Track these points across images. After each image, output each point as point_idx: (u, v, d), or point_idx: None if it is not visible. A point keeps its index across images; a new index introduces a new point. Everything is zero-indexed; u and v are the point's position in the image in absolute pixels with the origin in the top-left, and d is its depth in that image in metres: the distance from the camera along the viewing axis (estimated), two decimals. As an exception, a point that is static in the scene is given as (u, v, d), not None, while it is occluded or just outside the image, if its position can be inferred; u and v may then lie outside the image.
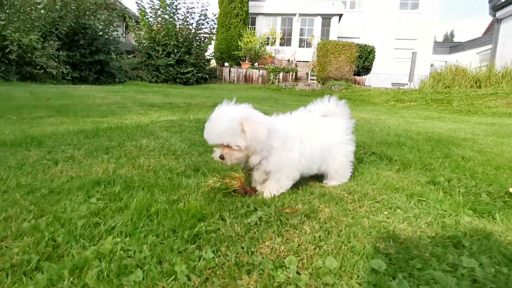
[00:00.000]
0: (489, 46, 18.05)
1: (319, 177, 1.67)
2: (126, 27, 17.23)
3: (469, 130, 4.05)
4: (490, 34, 19.20)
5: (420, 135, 3.11)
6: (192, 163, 1.88)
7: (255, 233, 1.07)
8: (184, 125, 3.27)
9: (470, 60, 14.54)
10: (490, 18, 23.41)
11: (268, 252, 0.97)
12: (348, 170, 1.63)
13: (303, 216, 1.20)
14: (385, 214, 1.26)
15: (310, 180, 1.65)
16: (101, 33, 11.88)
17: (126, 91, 8.75)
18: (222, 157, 1.30)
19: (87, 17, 11.21)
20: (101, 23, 11.93)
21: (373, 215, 1.25)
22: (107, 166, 1.78)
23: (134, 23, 14.07)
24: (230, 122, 1.24)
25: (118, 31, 13.04)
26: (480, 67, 12.51)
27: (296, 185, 1.51)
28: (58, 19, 10.36)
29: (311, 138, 1.44)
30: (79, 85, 9.86)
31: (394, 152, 2.25)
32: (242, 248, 0.98)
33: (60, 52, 9.97)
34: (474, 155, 2.32)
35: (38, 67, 9.14)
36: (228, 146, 1.28)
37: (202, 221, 1.14)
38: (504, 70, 11.66)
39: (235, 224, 1.13)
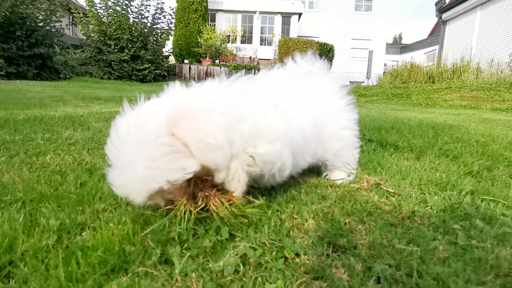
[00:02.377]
0: (435, 47, 19.22)
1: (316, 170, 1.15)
2: (73, 19, 15.56)
3: (443, 118, 3.83)
4: (436, 35, 20.46)
5: (409, 121, 2.75)
6: (129, 159, 1.24)
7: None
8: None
9: (419, 59, 15.29)
10: (434, 22, 25.13)
11: None
12: (355, 150, 1.06)
13: (326, 245, 0.62)
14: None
15: (308, 174, 1.11)
16: (41, 23, 10.46)
17: (71, 86, 7.67)
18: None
19: (25, 5, 9.74)
20: (42, 13, 10.46)
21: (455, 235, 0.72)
22: (-15, 169, 1.10)
23: (82, 15, 12.64)
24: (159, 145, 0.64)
25: (61, 21, 11.56)
26: (433, 65, 13.15)
27: (293, 185, 0.96)
28: (-8, 9, 8.86)
29: (298, 109, 0.88)
30: (14, 81, 8.46)
31: (396, 138, 1.81)
32: None
33: (-8, 44, 8.52)
34: (484, 139, 1.96)
35: (-34, 61, 7.68)
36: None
37: (119, 273, 0.53)
38: (454, 67, 12.38)
39: (193, 275, 0.53)
